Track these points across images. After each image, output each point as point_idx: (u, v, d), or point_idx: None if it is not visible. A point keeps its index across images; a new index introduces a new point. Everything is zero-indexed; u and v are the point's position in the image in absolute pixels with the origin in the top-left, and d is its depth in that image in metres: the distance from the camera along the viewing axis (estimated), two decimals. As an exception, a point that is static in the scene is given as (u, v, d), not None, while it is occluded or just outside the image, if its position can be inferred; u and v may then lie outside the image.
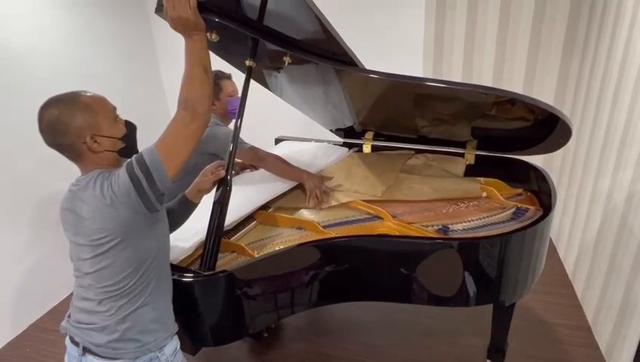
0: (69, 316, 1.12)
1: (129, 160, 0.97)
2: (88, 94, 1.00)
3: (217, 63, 2.08)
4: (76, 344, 1.07)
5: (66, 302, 2.57)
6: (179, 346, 1.15)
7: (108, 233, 0.96)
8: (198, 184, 1.32)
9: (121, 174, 0.95)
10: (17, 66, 2.28)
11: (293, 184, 1.82)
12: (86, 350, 1.05)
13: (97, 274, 1.00)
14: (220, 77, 1.92)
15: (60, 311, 2.53)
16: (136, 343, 1.04)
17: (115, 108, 1.04)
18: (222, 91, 1.88)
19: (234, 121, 1.45)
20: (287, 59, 1.41)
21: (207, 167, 1.36)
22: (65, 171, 1.17)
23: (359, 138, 2.21)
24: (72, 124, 0.95)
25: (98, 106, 0.99)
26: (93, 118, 0.97)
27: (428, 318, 2.18)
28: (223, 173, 1.32)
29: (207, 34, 1.37)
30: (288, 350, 2.09)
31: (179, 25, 1.02)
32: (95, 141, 0.97)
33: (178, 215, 1.31)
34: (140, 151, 0.99)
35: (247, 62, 1.42)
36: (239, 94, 1.95)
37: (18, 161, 2.28)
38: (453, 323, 2.14)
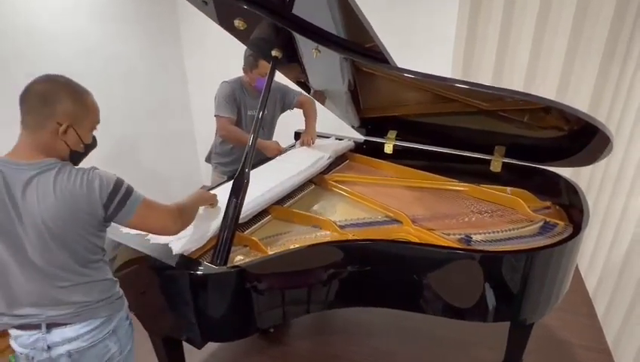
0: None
1: (118, 181, 1.03)
2: (94, 99, 1.06)
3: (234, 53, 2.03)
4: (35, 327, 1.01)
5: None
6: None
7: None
8: None
9: (109, 181, 1.01)
10: (42, 46, 2.28)
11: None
12: (50, 325, 1.01)
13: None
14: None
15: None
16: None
17: (99, 123, 1.09)
18: (256, 68, 2.02)
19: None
20: (315, 52, 1.36)
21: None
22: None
23: (381, 137, 2.15)
24: (64, 105, 0.98)
25: (93, 111, 1.05)
26: (83, 115, 1.02)
27: (439, 328, 2.12)
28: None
29: (235, 21, 1.32)
30: (294, 348, 2.06)
31: None
32: (66, 131, 0.99)
33: None
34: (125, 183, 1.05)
35: (274, 52, 1.38)
36: None
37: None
38: (465, 335, 2.07)
